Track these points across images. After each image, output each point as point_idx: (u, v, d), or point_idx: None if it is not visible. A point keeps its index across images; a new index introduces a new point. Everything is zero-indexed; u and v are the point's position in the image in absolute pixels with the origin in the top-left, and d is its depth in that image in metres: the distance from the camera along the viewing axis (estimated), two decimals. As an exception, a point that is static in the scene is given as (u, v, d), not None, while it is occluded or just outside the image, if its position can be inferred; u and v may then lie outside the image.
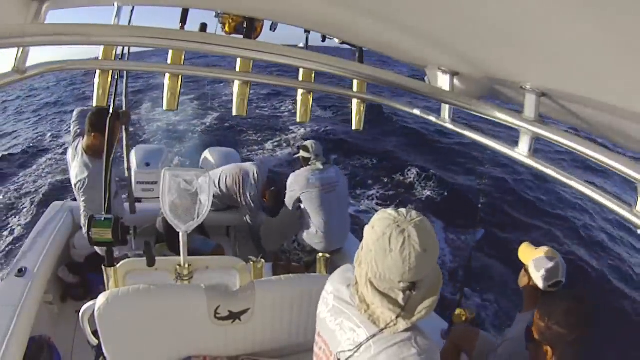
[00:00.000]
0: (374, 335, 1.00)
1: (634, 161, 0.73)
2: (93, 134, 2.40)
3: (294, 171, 3.08)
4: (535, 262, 1.73)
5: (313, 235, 2.98)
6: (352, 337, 1.04)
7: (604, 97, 0.76)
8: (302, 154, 3.07)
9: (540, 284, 1.70)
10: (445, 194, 7.67)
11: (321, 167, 2.99)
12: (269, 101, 13.32)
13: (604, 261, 5.98)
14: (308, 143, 3.07)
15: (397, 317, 0.97)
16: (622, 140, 0.94)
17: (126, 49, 1.71)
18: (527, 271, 1.79)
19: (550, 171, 0.93)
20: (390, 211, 1.01)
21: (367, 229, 1.02)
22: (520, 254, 1.86)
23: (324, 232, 2.94)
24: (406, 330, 0.99)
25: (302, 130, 10.15)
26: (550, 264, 1.70)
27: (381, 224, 0.97)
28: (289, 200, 3.05)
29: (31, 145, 9.08)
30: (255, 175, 3.21)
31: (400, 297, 0.97)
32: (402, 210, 1.00)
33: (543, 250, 1.78)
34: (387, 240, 0.94)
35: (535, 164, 0.95)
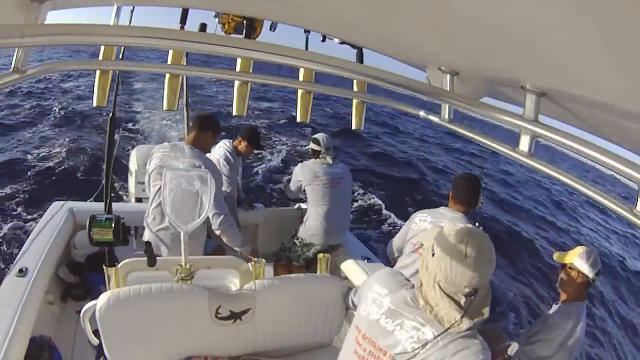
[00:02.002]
0: (441, 333, 1.10)
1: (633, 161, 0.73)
2: (208, 133, 2.55)
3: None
4: (579, 257, 1.97)
5: (311, 227, 3.00)
6: (416, 335, 1.13)
7: (604, 97, 0.76)
8: (312, 146, 3.10)
9: (590, 274, 1.95)
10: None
11: (330, 161, 3.02)
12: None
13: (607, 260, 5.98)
14: (319, 136, 3.09)
15: (461, 317, 1.09)
16: (622, 140, 0.94)
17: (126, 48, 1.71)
18: (571, 268, 2.00)
19: (550, 171, 0.92)
20: (459, 224, 1.16)
21: (437, 236, 1.14)
22: (559, 259, 2.08)
23: (323, 225, 2.96)
24: (467, 329, 1.11)
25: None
26: (592, 255, 1.97)
27: (458, 233, 1.11)
28: (293, 186, 3.09)
29: (31, 143, 9.07)
30: (225, 141, 3.32)
31: (462, 301, 1.10)
32: (468, 225, 1.14)
33: (580, 247, 2.03)
34: (464, 247, 1.07)
35: (535, 164, 0.95)
